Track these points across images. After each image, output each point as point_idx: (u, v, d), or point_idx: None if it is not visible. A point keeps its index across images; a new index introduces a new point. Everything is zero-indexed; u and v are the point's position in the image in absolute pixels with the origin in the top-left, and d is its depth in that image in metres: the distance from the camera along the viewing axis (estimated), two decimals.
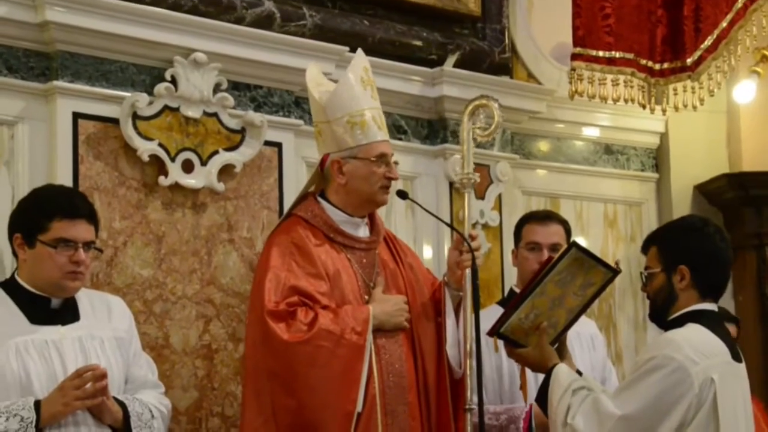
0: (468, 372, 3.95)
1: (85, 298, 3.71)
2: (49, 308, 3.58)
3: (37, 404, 3.37)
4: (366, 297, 4.00)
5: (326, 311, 3.85)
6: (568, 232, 4.60)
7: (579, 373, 3.80)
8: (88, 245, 3.58)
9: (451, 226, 4.11)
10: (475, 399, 3.92)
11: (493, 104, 4.16)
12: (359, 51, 4.22)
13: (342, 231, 4.04)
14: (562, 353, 3.85)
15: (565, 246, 4.12)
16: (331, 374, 3.77)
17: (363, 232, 4.12)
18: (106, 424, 3.55)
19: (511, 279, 5.12)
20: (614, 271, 3.83)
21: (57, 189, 3.82)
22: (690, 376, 3.41)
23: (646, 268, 3.74)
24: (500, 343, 3.87)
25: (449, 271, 4.12)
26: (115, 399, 3.60)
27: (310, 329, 3.78)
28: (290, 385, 3.78)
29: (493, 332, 3.83)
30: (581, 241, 5.87)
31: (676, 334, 3.54)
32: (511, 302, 3.88)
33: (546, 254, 4.38)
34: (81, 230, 3.57)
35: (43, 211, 3.56)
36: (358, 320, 3.86)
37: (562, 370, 3.68)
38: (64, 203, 3.59)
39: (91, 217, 3.63)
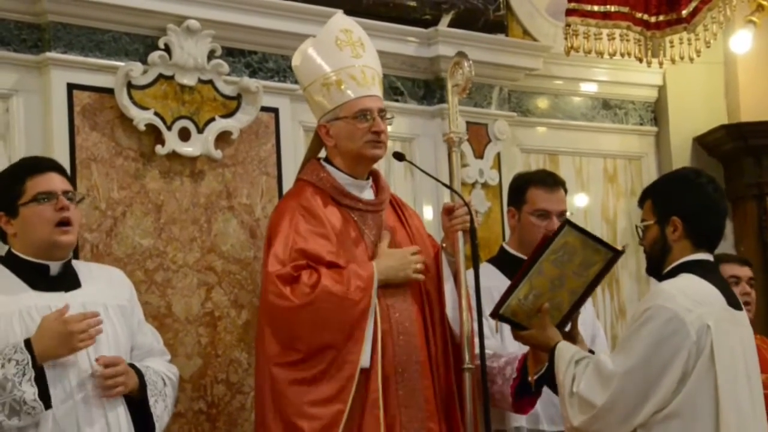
0: (464, 332, 3.95)
1: (84, 268, 3.74)
2: (49, 275, 3.59)
3: (28, 343, 3.38)
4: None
5: (330, 271, 3.84)
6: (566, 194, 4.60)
7: (591, 353, 3.77)
8: (67, 194, 3.62)
9: (448, 186, 4.09)
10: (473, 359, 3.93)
11: (464, 60, 4.14)
12: (337, 14, 4.20)
13: (348, 193, 4.04)
14: (575, 336, 3.84)
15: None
16: (336, 335, 3.78)
17: (368, 194, 4.12)
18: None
19: None
20: (615, 251, 3.76)
21: (20, 159, 3.88)
22: (685, 324, 3.40)
23: (642, 221, 3.73)
24: (501, 325, 3.85)
25: (445, 236, 4.13)
26: (132, 366, 3.63)
27: (313, 291, 3.79)
28: (295, 347, 3.79)
29: (494, 314, 3.81)
30: (582, 198, 5.91)
31: (668, 284, 3.54)
32: (510, 284, 3.85)
33: (556, 222, 4.32)
34: (55, 181, 3.63)
35: (12, 179, 3.62)
36: (362, 278, 3.84)
37: (564, 347, 3.67)
38: (29, 163, 3.70)
39: (60, 170, 3.70)
